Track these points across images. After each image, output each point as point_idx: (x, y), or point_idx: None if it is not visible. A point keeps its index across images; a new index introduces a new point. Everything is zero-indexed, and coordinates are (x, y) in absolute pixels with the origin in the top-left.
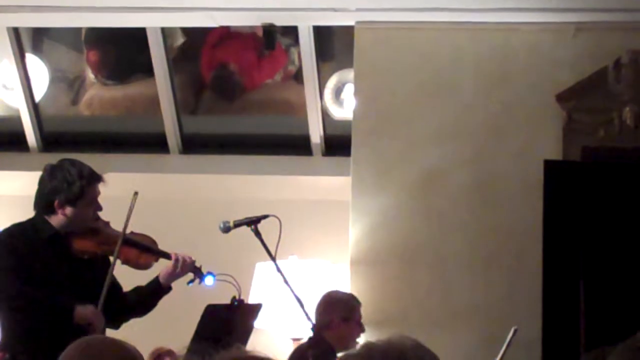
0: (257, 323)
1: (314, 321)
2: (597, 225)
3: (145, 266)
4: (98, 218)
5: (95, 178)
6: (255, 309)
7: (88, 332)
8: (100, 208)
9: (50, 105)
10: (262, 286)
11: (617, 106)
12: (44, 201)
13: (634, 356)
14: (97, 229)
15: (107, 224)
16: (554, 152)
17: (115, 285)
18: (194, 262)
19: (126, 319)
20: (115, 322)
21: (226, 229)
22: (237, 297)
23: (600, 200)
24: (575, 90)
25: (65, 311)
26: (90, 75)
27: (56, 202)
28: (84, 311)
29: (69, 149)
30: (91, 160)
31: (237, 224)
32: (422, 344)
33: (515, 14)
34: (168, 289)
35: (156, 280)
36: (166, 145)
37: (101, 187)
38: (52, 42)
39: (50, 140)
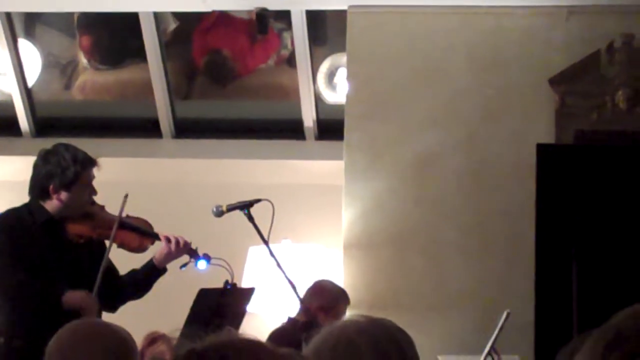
0: (250, 307)
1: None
2: (590, 208)
3: (141, 249)
4: (94, 202)
5: (89, 162)
6: (248, 293)
7: (80, 317)
8: (95, 192)
9: (43, 90)
10: (255, 270)
11: (609, 90)
12: (39, 186)
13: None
14: (93, 213)
15: (102, 208)
16: (547, 136)
17: (111, 270)
18: (189, 243)
19: (123, 302)
20: (113, 306)
21: (219, 213)
22: (229, 281)
23: (593, 183)
24: (568, 73)
25: (53, 297)
26: (82, 60)
27: (51, 187)
28: (73, 297)
29: (62, 134)
30: (84, 145)
31: (230, 208)
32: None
33: None
34: (163, 270)
35: (151, 262)
36: (159, 129)
37: (95, 171)
38: (45, 27)
39: (43, 125)
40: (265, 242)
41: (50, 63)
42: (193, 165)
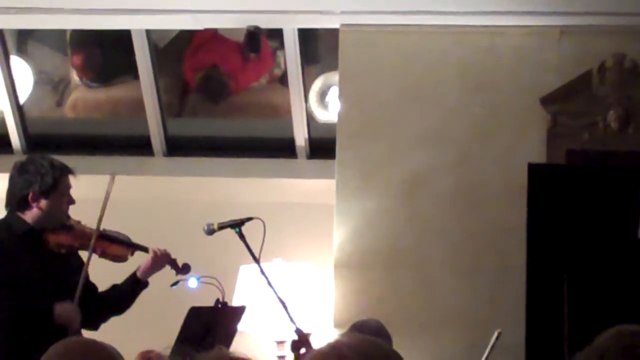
0: (241, 326)
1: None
2: (581, 228)
3: (121, 258)
4: (69, 217)
5: (66, 169)
6: (238, 311)
7: (67, 330)
8: (72, 201)
9: (35, 107)
10: (246, 289)
11: (601, 110)
12: (17, 197)
13: None
14: (71, 225)
15: (78, 222)
16: (539, 155)
17: (90, 287)
18: (169, 254)
19: (105, 319)
20: (94, 323)
21: (210, 232)
22: (220, 300)
23: (584, 203)
24: (560, 93)
25: (45, 313)
26: (74, 77)
27: (30, 195)
28: (63, 310)
29: (53, 151)
30: (76, 162)
31: (222, 227)
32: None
33: (500, 17)
34: (145, 283)
35: (133, 275)
36: (150, 147)
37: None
38: (37, 43)
39: (35, 142)
40: (257, 261)
41: (42, 80)
42: (185, 183)
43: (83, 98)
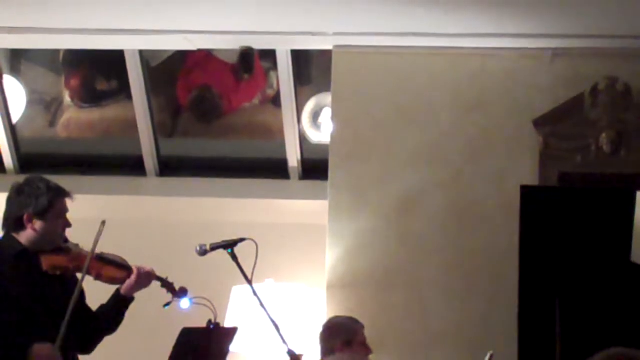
0: (233, 347)
1: (319, 348)
2: (574, 251)
3: (117, 281)
4: (67, 240)
5: (63, 192)
6: (231, 332)
7: None
8: (69, 225)
9: (28, 127)
10: (238, 310)
11: (593, 132)
12: (13, 218)
13: None
14: (67, 248)
15: (76, 245)
16: (531, 178)
17: (85, 310)
18: (153, 271)
19: (98, 341)
20: (88, 346)
21: (203, 252)
22: (213, 321)
23: (577, 226)
24: (552, 115)
25: (20, 349)
26: (67, 97)
27: (25, 216)
28: (40, 350)
29: (46, 171)
30: (68, 182)
31: (214, 247)
32: None
33: (492, 39)
34: (130, 298)
35: (117, 291)
36: (143, 168)
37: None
38: (30, 63)
39: (27, 162)
40: (249, 282)
41: (35, 100)
42: (177, 204)
43: (76, 118)
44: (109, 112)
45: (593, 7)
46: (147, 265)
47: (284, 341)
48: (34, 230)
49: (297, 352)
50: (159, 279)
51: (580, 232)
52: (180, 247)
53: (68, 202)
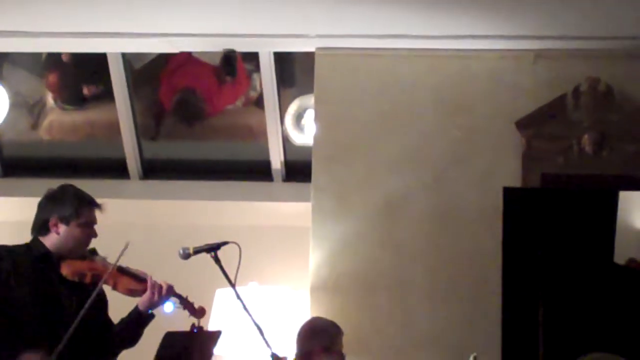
0: (217, 350)
1: (298, 348)
2: (556, 252)
3: (136, 292)
4: (96, 252)
5: (91, 201)
6: (214, 336)
7: None
8: (94, 234)
9: (10, 130)
10: (221, 313)
11: (576, 133)
12: (40, 222)
13: None
14: (92, 258)
15: (104, 258)
16: (514, 179)
17: (103, 321)
18: (172, 287)
19: (114, 352)
20: (104, 358)
21: (186, 256)
22: (196, 324)
23: (559, 227)
24: (535, 117)
25: (7, 357)
26: (50, 100)
27: (51, 220)
28: None
29: (29, 174)
30: (51, 185)
31: (197, 251)
32: None
33: (474, 41)
34: (149, 315)
35: (135, 308)
36: (126, 170)
37: (98, 214)
38: (12, 66)
39: (10, 165)
40: (232, 285)
41: (17, 103)
42: (160, 207)
43: (58, 120)
44: (92, 114)
45: (574, 9)
46: (166, 282)
47: (267, 344)
48: (57, 233)
49: (281, 355)
50: (177, 296)
51: (563, 233)
52: (163, 250)
53: (97, 213)
